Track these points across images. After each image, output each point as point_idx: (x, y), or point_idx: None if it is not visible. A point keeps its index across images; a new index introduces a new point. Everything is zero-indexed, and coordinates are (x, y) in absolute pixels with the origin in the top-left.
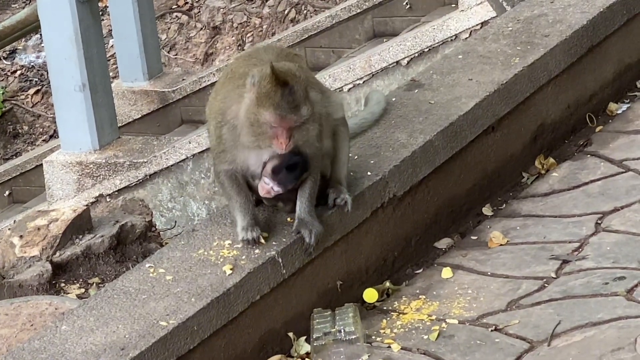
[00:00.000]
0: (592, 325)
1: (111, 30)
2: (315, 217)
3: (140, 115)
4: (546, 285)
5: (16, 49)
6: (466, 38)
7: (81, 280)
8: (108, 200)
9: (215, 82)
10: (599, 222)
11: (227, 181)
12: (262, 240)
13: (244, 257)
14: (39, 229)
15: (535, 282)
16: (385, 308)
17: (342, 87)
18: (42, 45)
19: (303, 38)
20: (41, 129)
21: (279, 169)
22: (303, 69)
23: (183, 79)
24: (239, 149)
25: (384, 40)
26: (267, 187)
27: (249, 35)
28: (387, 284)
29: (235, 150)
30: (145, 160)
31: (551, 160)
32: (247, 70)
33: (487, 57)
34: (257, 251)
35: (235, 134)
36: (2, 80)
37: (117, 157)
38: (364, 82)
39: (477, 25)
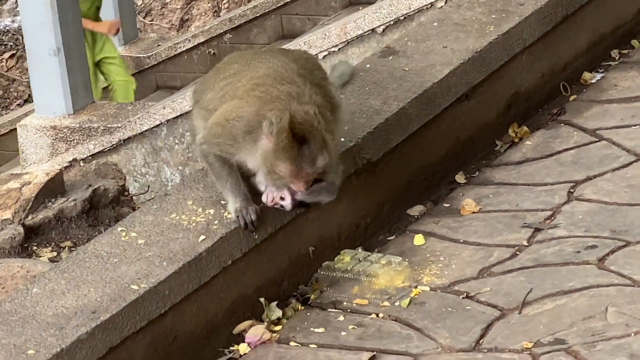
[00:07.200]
0: (563, 294)
1: None
2: None
3: None
4: (518, 253)
5: None
6: (442, 6)
7: (53, 243)
8: (82, 164)
9: (191, 49)
10: (572, 190)
11: (218, 162)
12: (255, 224)
13: (216, 221)
14: (11, 191)
15: (507, 250)
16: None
17: (317, 54)
18: (18, 9)
19: (279, 5)
20: (16, 93)
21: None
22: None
23: (158, 45)
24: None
25: (360, 8)
26: (278, 200)
27: (224, 1)
28: (360, 250)
29: (238, 147)
30: (119, 125)
31: (525, 128)
32: (272, 90)
33: (462, 25)
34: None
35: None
36: None
37: (91, 122)
38: (339, 49)
39: None
